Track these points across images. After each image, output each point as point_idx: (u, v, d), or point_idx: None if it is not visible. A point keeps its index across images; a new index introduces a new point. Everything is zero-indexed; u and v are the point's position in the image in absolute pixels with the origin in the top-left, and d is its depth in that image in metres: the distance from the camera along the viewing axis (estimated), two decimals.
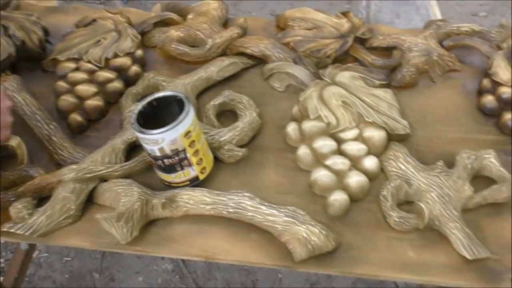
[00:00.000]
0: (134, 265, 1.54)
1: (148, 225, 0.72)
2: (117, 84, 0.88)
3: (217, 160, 0.79)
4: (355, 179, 0.73)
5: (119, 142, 0.78)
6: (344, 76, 0.87)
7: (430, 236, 0.69)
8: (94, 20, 0.99)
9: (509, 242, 0.68)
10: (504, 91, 0.84)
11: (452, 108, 0.87)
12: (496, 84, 0.85)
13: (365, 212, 0.73)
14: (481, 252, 0.66)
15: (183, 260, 1.55)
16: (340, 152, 0.77)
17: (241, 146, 0.80)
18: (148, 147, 0.69)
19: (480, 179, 0.75)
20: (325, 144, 0.77)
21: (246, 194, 0.71)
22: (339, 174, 0.75)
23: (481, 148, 0.77)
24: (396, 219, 0.69)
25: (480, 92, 0.88)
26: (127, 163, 0.76)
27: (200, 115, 0.85)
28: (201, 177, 0.75)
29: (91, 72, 0.88)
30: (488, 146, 0.79)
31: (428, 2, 1.20)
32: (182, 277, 1.51)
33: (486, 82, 0.87)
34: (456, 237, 0.67)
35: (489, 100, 0.85)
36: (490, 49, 0.92)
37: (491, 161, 0.75)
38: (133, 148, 0.80)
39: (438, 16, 1.22)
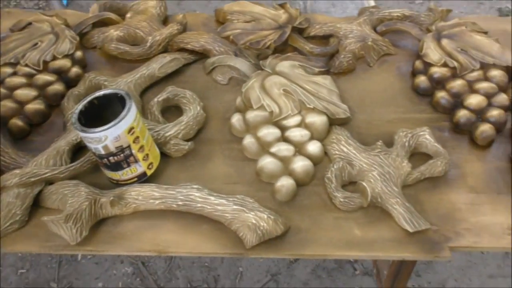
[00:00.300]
0: (92, 271, 1.51)
1: (98, 224, 0.71)
2: (57, 87, 0.87)
3: (164, 155, 0.80)
4: (300, 164, 0.75)
5: (63, 144, 0.78)
6: (284, 65, 0.89)
7: (374, 213, 0.72)
8: (30, 24, 0.97)
9: (446, 213, 0.72)
10: (435, 71, 0.88)
11: (389, 90, 0.91)
12: (428, 65, 0.90)
13: (312, 195, 0.75)
14: (422, 224, 0.69)
15: (142, 262, 1.54)
16: (284, 139, 0.79)
17: (188, 140, 0.81)
18: (92, 146, 0.69)
19: (418, 156, 0.79)
20: (269, 132, 0.79)
21: (195, 186, 0.72)
22: (284, 161, 0.76)
23: (417, 126, 0.81)
24: (341, 200, 0.72)
25: (414, 73, 0.92)
26: (73, 164, 0.75)
27: (145, 112, 0.86)
28: (149, 172, 0.75)
29: (29, 76, 0.87)
30: (423, 124, 0.83)
31: None
32: (143, 279, 1.50)
33: (418, 64, 0.92)
34: (398, 212, 0.70)
35: (422, 80, 0.89)
36: (420, 32, 0.96)
37: (426, 138, 0.78)
38: (79, 149, 0.80)
39: (372, 3, 1.27)
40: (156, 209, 0.71)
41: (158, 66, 0.91)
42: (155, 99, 0.85)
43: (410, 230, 0.69)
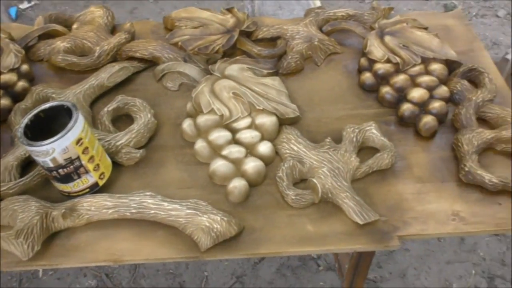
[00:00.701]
0: (55, 287, 1.49)
1: (51, 238, 0.71)
2: (4, 102, 0.86)
3: (117, 164, 0.80)
4: (251, 165, 0.77)
5: (11, 159, 0.77)
6: (233, 69, 0.90)
7: (326, 208, 0.74)
8: None
9: (394, 203, 0.74)
10: (379, 67, 0.91)
11: (336, 88, 0.93)
12: (372, 61, 0.92)
13: (265, 195, 0.76)
14: (371, 216, 0.71)
15: (106, 274, 1.52)
16: (235, 141, 0.80)
17: (140, 148, 0.81)
18: (40, 159, 0.68)
19: (366, 150, 0.81)
20: (220, 136, 0.80)
21: (148, 193, 0.72)
22: (236, 162, 0.78)
23: (365, 121, 0.83)
24: (293, 197, 0.74)
25: (360, 70, 0.95)
26: (22, 179, 0.74)
27: (95, 122, 0.85)
28: (101, 183, 0.75)
29: None
30: (371, 119, 0.86)
31: None
32: None
33: (363, 61, 0.94)
34: (348, 205, 0.72)
35: (367, 77, 0.92)
36: (364, 30, 0.99)
37: (373, 132, 0.81)
38: (28, 164, 0.79)
39: (318, 4, 1.29)
40: (109, 218, 0.71)
41: (107, 75, 0.91)
42: (105, 109, 0.85)
43: (360, 222, 0.71)
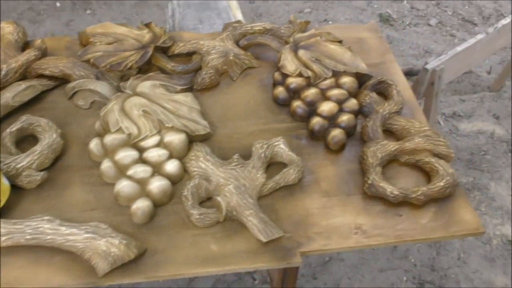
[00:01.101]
0: None
1: None
2: None
3: (17, 188, 0.77)
4: (157, 185, 0.75)
5: None
6: (145, 86, 0.89)
7: (232, 226, 0.74)
8: None
9: (300, 218, 0.75)
10: (291, 81, 0.91)
11: (251, 103, 0.93)
12: (285, 75, 0.93)
13: (170, 215, 0.75)
14: (275, 233, 0.71)
15: None
16: (142, 160, 0.79)
17: (44, 169, 0.79)
18: None
19: (277, 165, 0.81)
20: (126, 155, 0.78)
21: (45, 217, 0.70)
22: (141, 182, 0.76)
23: (277, 136, 0.84)
24: (197, 216, 0.73)
25: (274, 84, 0.95)
26: None
27: None
28: None
29: None
30: (283, 133, 0.86)
31: (228, 4, 1.26)
32: None
33: (277, 75, 0.95)
34: (252, 223, 0.72)
35: (280, 91, 0.92)
36: (279, 44, 0.99)
37: (281, 147, 0.81)
38: None
39: (239, 17, 1.30)
40: (3, 246, 0.68)
41: (12, 95, 0.88)
42: (7, 130, 0.82)
43: (264, 240, 0.70)
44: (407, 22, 2.29)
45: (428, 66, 1.29)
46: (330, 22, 2.31)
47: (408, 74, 1.97)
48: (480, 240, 1.46)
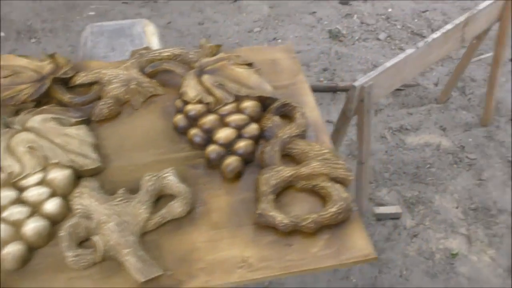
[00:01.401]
0: None
1: None
2: None
3: None
4: (31, 226, 0.71)
5: None
6: (36, 120, 0.85)
7: (111, 266, 0.70)
8: None
9: (185, 254, 0.71)
10: (190, 109, 0.88)
11: (151, 132, 0.90)
12: (185, 102, 0.90)
13: (47, 257, 0.71)
14: (154, 271, 0.67)
15: None
16: (21, 200, 0.75)
17: None
18: None
19: (168, 198, 0.78)
20: (2, 197, 0.74)
21: None
22: (17, 224, 0.72)
23: (174, 166, 0.80)
24: (72, 258, 0.69)
25: (176, 112, 0.92)
26: None
27: None
28: None
29: None
30: (180, 163, 0.83)
31: (143, 30, 1.24)
32: None
33: (178, 102, 0.92)
34: (129, 262, 0.68)
35: (179, 119, 0.89)
36: (183, 70, 0.96)
37: (170, 179, 0.78)
38: None
39: (155, 43, 1.27)
40: None
41: None
42: None
43: (141, 279, 0.67)
44: (357, 37, 2.29)
45: (356, 83, 1.27)
46: (279, 40, 2.30)
47: (333, 90, 1.96)
48: (423, 256, 1.43)
